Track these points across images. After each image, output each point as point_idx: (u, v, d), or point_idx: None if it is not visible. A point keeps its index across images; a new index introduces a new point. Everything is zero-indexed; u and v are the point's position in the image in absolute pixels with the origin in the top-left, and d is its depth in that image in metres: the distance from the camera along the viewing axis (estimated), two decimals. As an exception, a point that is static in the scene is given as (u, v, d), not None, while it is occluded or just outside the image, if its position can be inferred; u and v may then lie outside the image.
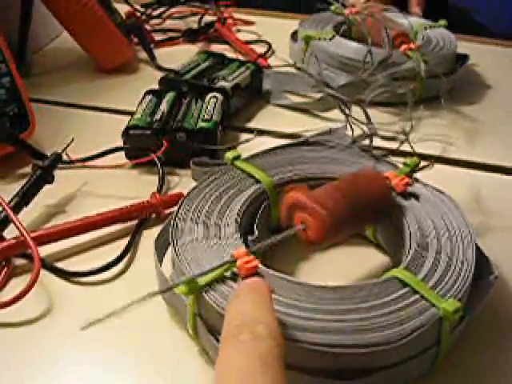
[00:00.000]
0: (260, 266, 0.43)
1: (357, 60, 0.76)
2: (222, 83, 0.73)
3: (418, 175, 0.54)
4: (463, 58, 0.87)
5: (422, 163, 0.54)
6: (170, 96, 0.71)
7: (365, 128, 0.59)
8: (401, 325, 0.40)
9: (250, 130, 0.72)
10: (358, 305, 0.41)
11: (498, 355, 0.45)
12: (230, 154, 0.55)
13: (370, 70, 0.72)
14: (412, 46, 0.78)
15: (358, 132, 0.60)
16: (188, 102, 0.69)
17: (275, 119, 0.76)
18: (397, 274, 0.43)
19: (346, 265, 0.52)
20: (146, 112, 0.67)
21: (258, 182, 0.53)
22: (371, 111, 0.64)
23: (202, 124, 0.65)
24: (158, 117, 0.66)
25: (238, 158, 0.55)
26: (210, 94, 0.70)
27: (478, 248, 0.48)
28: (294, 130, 0.67)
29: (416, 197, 0.51)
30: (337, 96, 0.59)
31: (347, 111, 0.59)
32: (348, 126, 0.58)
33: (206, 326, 0.42)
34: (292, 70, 0.86)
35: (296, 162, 0.55)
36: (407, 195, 0.51)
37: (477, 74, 0.91)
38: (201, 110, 0.67)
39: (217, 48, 0.96)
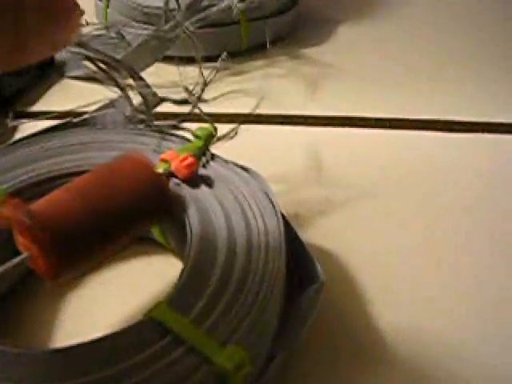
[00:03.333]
0: None
1: (161, 8, 0.59)
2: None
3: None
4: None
5: (227, 129, 0.39)
6: None
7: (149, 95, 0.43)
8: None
9: (34, 115, 0.55)
10: (100, 373, 0.26)
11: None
12: None
13: (175, 18, 0.56)
14: (231, -19, 0.62)
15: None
16: None
17: (69, 97, 0.59)
18: (155, 316, 0.27)
19: (123, 289, 0.37)
20: None
21: (-14, 192, 0.36)
22: (170, 68, 0.48)
23: None
24: None
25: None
26: (-33, 76, 0.53)
27: (299, 244, 0.33)
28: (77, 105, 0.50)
29: (208, 182, 0.36)
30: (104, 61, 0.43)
31: (122, 80, 0.43)
32: (124, 95, 0.42)
33: None
34: (101, 31, 0.69)
35: (47, 155, 0.39)
36: (195, 180, 0.36)
37: (320, 9, 0.77)
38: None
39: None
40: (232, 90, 0.52)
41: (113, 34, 0.61)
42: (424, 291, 0.37)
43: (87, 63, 0.63)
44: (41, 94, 0.60)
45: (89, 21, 0.69)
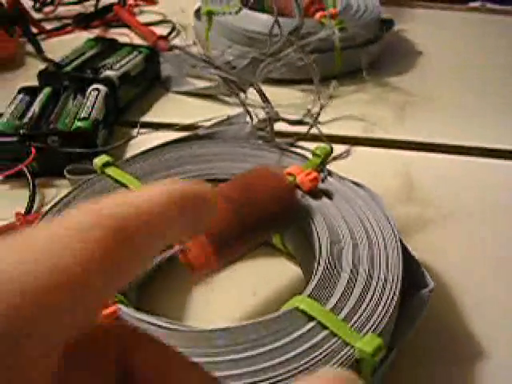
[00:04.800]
0: (122, 307, 0.32)
1: (264, 33, 0.65)
2: (107, 73, 0.62)
3: (335, 165, 0.44)
4: (388, 23, 0.77)
5: (339, 149, 0.44)
6: (45, 93, 0.59)
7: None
8: (306, 371, 0.30)
9: (146, 125, 0.61)
10: (252, 351, 0.31)
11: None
12: (98, 161, 0.44)
13: (278, 43, 0.62)
14: (327, 12, 0.68)
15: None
16: (65, 98, 0.58)
17: (176, 109, 0.65)
18: (299, 305, 0.32)
19: (248, 287, 0.42)
20: (15, 114, 0.56)
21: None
22: (282, 90, 0.53)
23: (78, 124, 0.54)
24: (27, 119, 0.54)
25: (109, 164, 0.44)
26: (92, 87, 0.59)
27: (407, 253, 0.38)
28: (196, 120, 0.56)
29: (328, 195, 0.41)
30: (229, 78, 0.48)
31: (243, 95, 0.48)
32: (246, 112, 0.47)
33: None
34: (201, 51, 0.75)
35: (181, 162, 0.45)
36: (317, 193, 0.41)
37: (404, 40, 0.81)
38: (79, 107, 0.56)
39: (116, 33, 0.84)
40: (332, 114, 0.57)
41: (216, 55, 0.67)
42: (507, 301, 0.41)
43: (191, 80, 0.68)
44: (149, 106, 0.66)
45: (187, 40, 0.75)
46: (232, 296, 0.41)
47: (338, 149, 0.47)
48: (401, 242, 0.39)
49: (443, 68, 0.74)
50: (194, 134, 0.48)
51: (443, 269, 0.44)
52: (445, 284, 0.43)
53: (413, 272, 0.38)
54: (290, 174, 0.41)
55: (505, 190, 0.52)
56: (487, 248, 0.46)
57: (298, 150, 0.46)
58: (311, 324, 0.32)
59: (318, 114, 0.47)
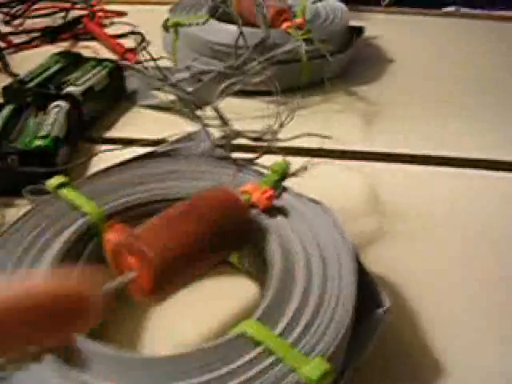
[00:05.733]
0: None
1: (230, 45, 0.64)
2: (70, 88, 0.61)
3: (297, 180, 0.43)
4: (358, 31, 0.76)
5: (301, 162, 0.43)
6: (7, 110, 0.58)
7: (227, 129, 0.47)
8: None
9: (110, 140, 0.60)
10: (198, 378, 0.30)
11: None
12: (53, 181, 0.43)
13: (244, 55, 0.61)
14: (294, 23, 0.67)
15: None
16: (27, 115, 0.57)
17: (141, 124, 0.64)
18: (246, 329, 0.32)
19: (205, 309, 0.41)
20: (-26, 134, 0.55)
21: (85, 214, 0.41)
22: (248, 102, 0.53)
23: (37, 142, 0.53)
24: (-14, 138, 0.54)
25: (64, 184, 0.43)
26: (54, 104, 0.58)
27: (363, 271, 0.37)
28: (163, 135, 0.55)
29: (284, 212, 0.40)
30: (183, 97, 0.48)
31: (201, 112, 0.48)
32: (203, 130, 0.47)
33: None
34: (168, 63, 0.75)
35: (138, 181, 0.44)
36: (273, 211, 0.40)
37: (376, 47, 0.81)
38: (40, 125, 0.55)
39: (85, 47, 0.83)
40: (296, 125, 0.56)
41: (182, 68, 0.66)
42: (483, 321, 0.41)
43: (158, 93, 0.68)
44: (114, 121, 0.65)
45: (156, 53, 0.74)
46: (186, 319, 0.40)
47: (300, 162, 0.46)
48: (357, 259, 0.39)
49: (415, 75, 0.74)
50: (152, 152, 0.47)
51: (406, 285, 0.43)
52: (407, 301, 0.42)
53: (369, 291, 0.37)
54: (245, 192, 0.40)
55: (476, 202, 0.52)
56: (455, 263, 0.45)
57: (256, 167, 0.45)
58: (258, 349, 0.31)
59: (276, 132, 0.46)
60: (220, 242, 0.37)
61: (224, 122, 0.46)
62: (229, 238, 0.38)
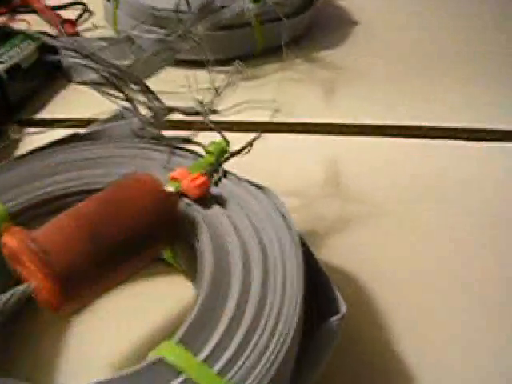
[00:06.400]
0: None
1: (171, 10, 0.57)
2: (-9, 66, 0.54)
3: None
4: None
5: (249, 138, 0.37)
6: None
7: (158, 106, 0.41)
8: None
9: (42, 122, 0.53)
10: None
11: None
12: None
13: (188, 22, 0.54)
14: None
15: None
16: None
17: (76, 103, 0.57)
18: (165, 355, 0.25)
19: (132, 319, 0.35)
20: None
21: (-14, 213, 0.34)
22: (191, 72, 0.46)
23: (-52, 128, 0.46)
24: None
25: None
26: (-27, 84, 0.51)
27: (315, 268, 0.31)
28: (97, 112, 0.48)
29: (220, 202, 0.34)
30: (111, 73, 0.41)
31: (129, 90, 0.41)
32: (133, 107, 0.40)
33: None
34: (111, 33, 0.67)
35: (53, 171, 0.37)
36: (207, 201, 0.34)
37: (339, 8, 0.74)
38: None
39: (21, 20, 0.75)
40: (246, 97, 0.49)
41: (122, 38, 0.59)
42: (444, 317, 0.35)
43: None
44: (47, 100, 0.58)
45: (98, 23, 0.67)
46: (107, 334, 0.34)
47: (247, 139, 0.40)
48: (310, 256, 0.33)
49: (381, 39, 0.67)
50: (74, 135, 0.40)
51: (372, 280, 0.37)
52: (373, 298, 0.36)
53: (323, 293, 0.31)
54: (174, 180, 0.34)
55: (451, 177, 0.46)
56: (426, 252, 0.39)
57: (194, 147, 0.38)
58: (179, 379, 0.25)
59: (213, 102, 0.39)
60: (143, 240, 0.31)
61: (154, 96, 0.39)
62: (153, 235, 0.32)
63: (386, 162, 0.47)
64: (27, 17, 0.77)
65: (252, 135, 0.46)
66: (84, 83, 0.57)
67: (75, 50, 0.40)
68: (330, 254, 0.38)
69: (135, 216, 0.31)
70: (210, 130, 0.40)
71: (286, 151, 0.47)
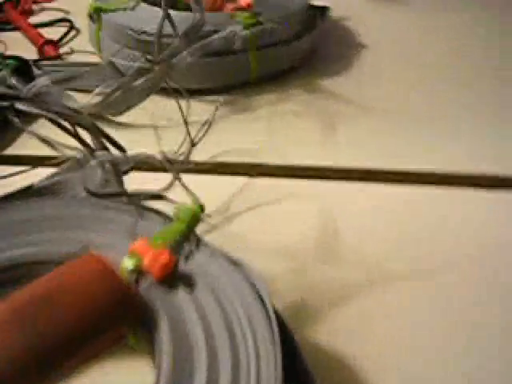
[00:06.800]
0: None
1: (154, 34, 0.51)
2: (-45, 95, 0.48)
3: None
4: (322, 10, 0.64)
5: (235, 182, 0.31)
6: None
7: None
8: None
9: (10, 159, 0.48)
10: None
11: None
12: None
13: (171, 46, 0.48)
14: (238, 4, 0.55)
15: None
16: None
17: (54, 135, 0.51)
18: None
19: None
20: None
21: None
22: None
23: None
24: None
25: None
26: None
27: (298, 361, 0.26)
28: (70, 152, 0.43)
29: (188, 283, 0.28)
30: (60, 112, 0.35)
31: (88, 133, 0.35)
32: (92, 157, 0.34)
33: None
34: (96, 58, 0.62)
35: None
36: (172, 282, 0.28)
37: (345, 30, 0.68)
38: None
39: (3, 38, 0.70)
40: (235, 134, 0.44)
41: (103, 64, 0.54)
42: None
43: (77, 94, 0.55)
44: (19, 132, 0.53)
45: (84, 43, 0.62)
46: None
47: (232, 183, 0.35)
48: (291, 348, 0.27)
49: (389, 65, 0.61)
50: (29, 187, 0.35)
51: (357, 362, 0.31)
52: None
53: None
54: (134, 254, 0.28)
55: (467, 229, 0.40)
56: (431, 330, 0.33)
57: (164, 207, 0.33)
58: None
59: (187, 158, 0.33)
60: (91, 334, 0.26)
61: (116, 146, 0.34)
62: (104, 326, 0.26)
63: (392, 213, 0.41)
64: (10, 34, 0.73)
65: (240, 178, 0.41)
66: (33, 134, 0.51)
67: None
68: (319, 331, 0.33)
69: (80, 306, 0.25)
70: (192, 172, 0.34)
71: (277, 198, 0.41)
